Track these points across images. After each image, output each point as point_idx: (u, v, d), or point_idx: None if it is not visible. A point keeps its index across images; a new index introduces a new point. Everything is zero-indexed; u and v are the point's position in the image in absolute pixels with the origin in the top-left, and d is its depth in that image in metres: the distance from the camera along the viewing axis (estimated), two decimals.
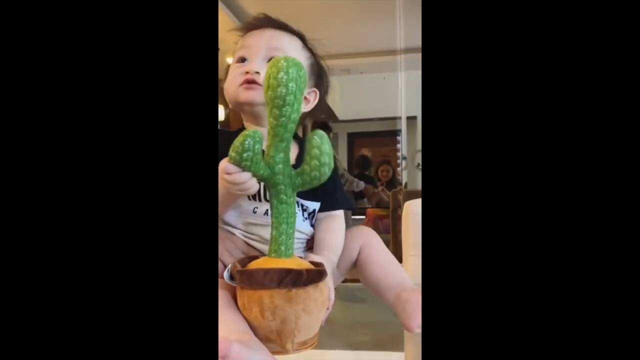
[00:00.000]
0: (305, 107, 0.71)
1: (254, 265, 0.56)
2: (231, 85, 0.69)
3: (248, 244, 0.67)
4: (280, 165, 0.54)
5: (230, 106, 0.72)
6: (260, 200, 0.67)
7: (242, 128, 0.73)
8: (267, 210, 0.66)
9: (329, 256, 0.65)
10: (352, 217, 2.95)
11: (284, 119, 0.52)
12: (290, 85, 0.51)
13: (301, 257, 0.61)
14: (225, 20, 2.41)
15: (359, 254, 0.70)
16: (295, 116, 0.53)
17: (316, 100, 0.73)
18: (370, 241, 0.71)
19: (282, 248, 0.56)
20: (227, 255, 0.64)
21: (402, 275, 0.68)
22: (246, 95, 0.67)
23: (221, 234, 0.66)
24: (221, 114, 2.69)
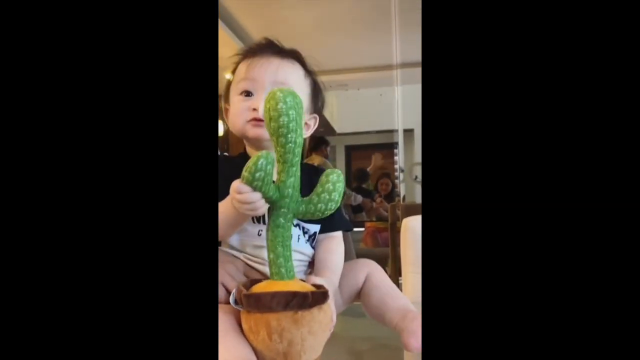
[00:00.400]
0: (307, 133, 0.74)
1: (258, 288, 0.58)
2: (238, 119, 0.71)
3: (251, 267, 0.68)
4: (290, 190, 0.57)
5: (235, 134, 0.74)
6: (264, 223, 0.68)
7: (244, 152, 0.75)
8: None
9: (329, 277, 0.66)
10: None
11: (291, 144, 0.55)
12: (290, 112, 0.54)
13: (303, 280, 0.62)
14: (224, 37, 2.45)
15: (364, 283, 0.72)
16: (300, 140, 0.56)
17: (316, 125, 0.76)
18: (376, 272, 0.73)
19: (283, 271, 0.58)
20: (229, 278, 0.65)
21: (406, 301, 0.70)
22: (254, 132, 0.69)
23: (222, 257, 0.67)
24: (220, 130, 2.71)
